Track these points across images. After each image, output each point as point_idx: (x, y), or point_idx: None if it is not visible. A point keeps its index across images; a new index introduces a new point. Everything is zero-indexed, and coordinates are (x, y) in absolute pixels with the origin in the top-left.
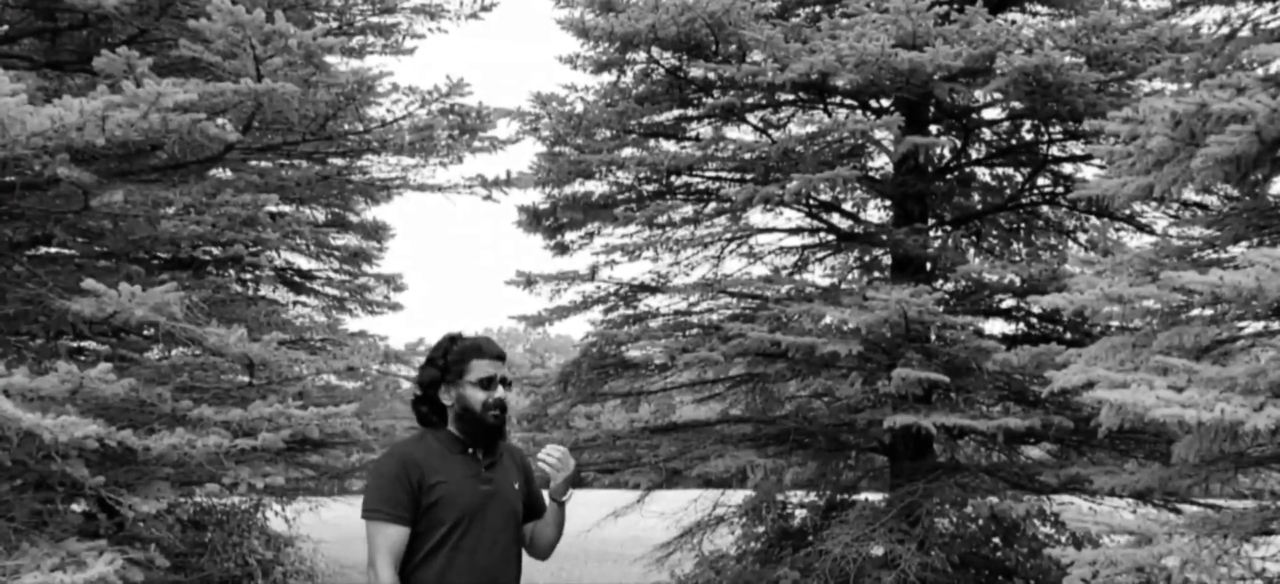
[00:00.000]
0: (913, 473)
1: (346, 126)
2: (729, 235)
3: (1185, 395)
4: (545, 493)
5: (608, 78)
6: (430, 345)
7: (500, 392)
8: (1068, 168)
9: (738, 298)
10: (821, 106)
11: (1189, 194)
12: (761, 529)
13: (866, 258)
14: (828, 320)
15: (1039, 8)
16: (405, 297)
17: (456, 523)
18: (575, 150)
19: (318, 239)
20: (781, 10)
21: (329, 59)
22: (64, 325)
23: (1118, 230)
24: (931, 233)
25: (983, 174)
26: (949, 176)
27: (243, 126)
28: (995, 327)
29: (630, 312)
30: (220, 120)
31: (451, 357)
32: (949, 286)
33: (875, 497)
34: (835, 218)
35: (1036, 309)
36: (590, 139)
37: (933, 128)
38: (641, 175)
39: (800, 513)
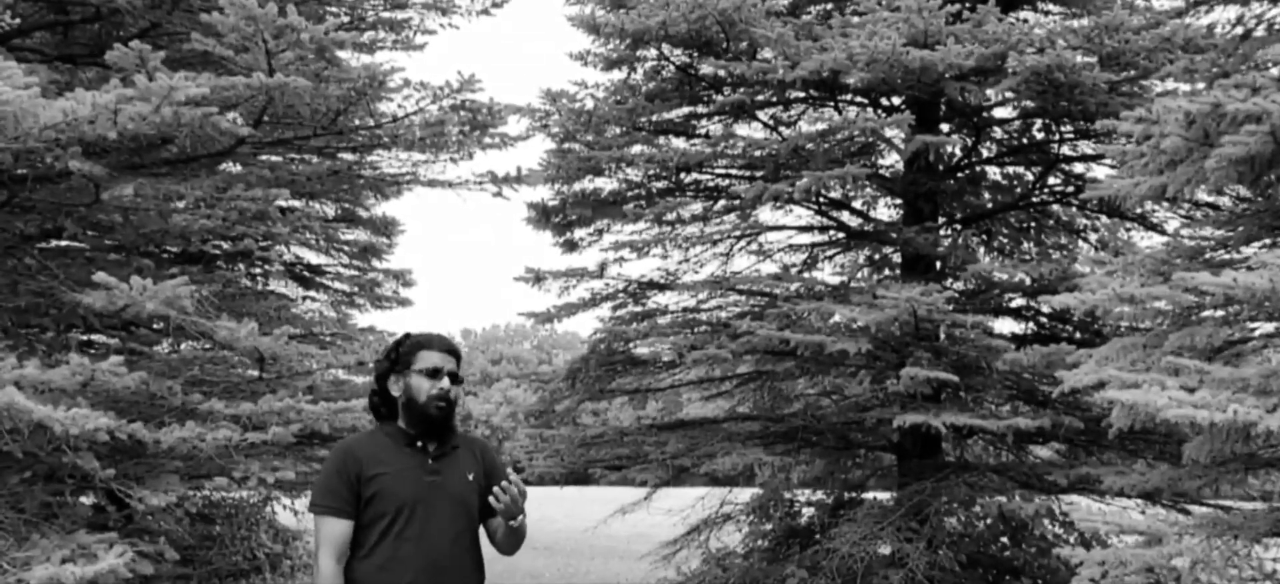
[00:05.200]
0: (921, 472)
1: (357, 122)
2: (738, 233)
3: (1197, 396)
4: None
5: (618, 74)
6: None
7: (446, 383)
8: (1079, 167)
9: (747, 295)
10: (832, 104)
11: (1202, 194)
12: (769, 527)
13: (876, 256)
14: (837, 318)
15: (1051, 7)
16: (414, 292)
17: (397, 513)
18: (585, 147)
19: (327, 234)
20: (792, 8)
21: (340, 54)
22: (75, 318)
23: (1129, 230)
24: (941, 231)
25: (993, 173)
26: (959, 175)
27: (254, 121)
28: (1005, 326)
29: (639, 308)
30: (231, 115)
31: (402, 349)
32: (959, 285)
33: (883, 495)
34: (845, 216)
35: (1047, 309)
36: (600, 136)
37: (943, 126)
38: (651, 172)
39: (808, 511)
